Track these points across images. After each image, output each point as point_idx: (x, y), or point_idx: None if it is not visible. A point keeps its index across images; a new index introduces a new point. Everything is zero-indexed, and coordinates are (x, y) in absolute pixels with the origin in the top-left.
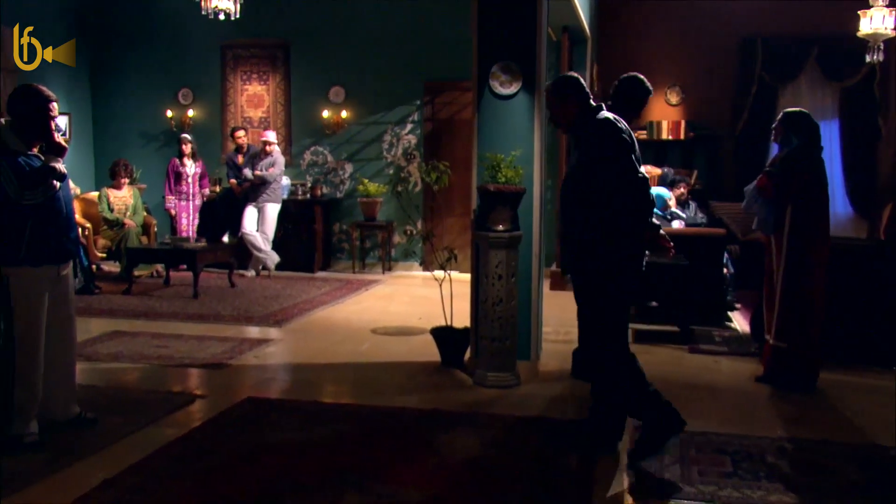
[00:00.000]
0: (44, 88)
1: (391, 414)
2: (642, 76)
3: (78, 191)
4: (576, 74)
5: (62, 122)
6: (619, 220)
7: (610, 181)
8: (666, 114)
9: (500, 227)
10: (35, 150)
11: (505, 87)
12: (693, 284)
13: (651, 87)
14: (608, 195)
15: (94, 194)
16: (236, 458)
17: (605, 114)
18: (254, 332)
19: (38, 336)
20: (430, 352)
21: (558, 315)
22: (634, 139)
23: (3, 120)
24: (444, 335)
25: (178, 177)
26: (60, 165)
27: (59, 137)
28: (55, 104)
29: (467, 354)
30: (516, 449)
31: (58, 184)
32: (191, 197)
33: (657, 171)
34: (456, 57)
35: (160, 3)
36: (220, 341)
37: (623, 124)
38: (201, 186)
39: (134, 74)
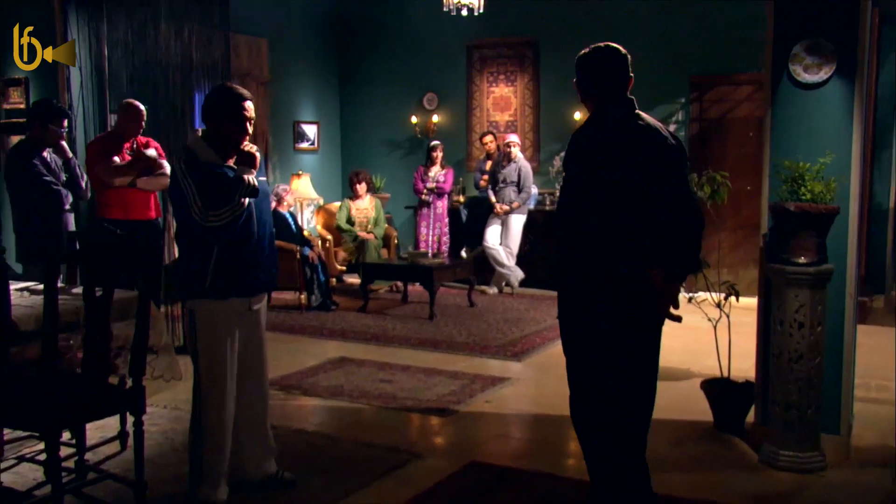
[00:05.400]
0: (238, 87)
1: None
2: None
3: (321, 201)
4: (614, 46)
5: (311, 130)
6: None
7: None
8: None
9: (803, 259)
10: (231, 162)
11: (811, 73)
12: None
13: None
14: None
15: (336, 205)
16: None
17: (646, 117)
18: (489, 366)
19: (224, 381)
20: (699, 407)
21: (867, 358)
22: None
23: (200, 130)
24: (719, 391)
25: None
26: (252, 178)
27: (249, 145)
28: (249, 103)
29: (750, 416)
30: None
31: (246, 201)
32: (433, 207)
33: None
34: (729, 46)
35: (405, 7)
36: (450, 377)
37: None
38: (439, 194)
39: (380, 81)
